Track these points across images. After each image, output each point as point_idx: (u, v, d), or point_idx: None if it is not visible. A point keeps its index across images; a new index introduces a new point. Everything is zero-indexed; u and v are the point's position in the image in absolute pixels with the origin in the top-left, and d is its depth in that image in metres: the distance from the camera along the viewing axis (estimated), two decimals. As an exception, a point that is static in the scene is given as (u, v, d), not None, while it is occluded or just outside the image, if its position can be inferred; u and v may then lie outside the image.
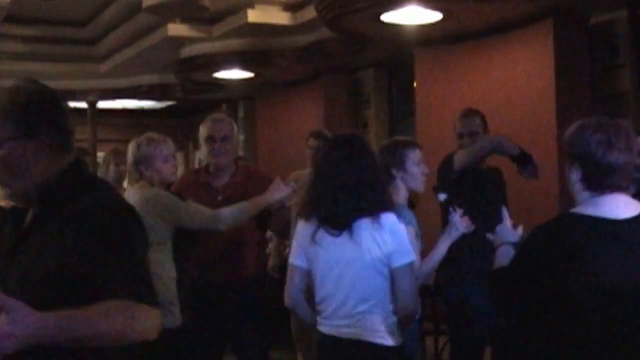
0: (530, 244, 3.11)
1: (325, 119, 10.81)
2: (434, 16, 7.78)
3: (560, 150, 7.58)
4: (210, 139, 5.60)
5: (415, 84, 9.60)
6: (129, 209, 2.62)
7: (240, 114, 13.91)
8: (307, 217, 4.04)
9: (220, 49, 10.33)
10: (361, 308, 3.91)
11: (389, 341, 3.95)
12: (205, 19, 9.82)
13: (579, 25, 8.00)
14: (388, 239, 3.89)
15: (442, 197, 5.61)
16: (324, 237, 3.96)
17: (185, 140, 16.03)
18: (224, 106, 14.32)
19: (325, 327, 4.04)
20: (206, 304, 5.58)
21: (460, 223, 4.67)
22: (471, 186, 5.84)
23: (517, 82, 8.21)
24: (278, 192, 5.24)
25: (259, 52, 10.25)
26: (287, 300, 4.14)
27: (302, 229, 4.07)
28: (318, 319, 4.08)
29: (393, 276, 3.92)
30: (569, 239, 2.98)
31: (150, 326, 2.40)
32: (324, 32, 9.33)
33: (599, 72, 8.05)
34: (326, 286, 4.00)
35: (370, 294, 3.92)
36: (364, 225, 3.90)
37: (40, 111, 2.55)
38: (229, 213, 5.17)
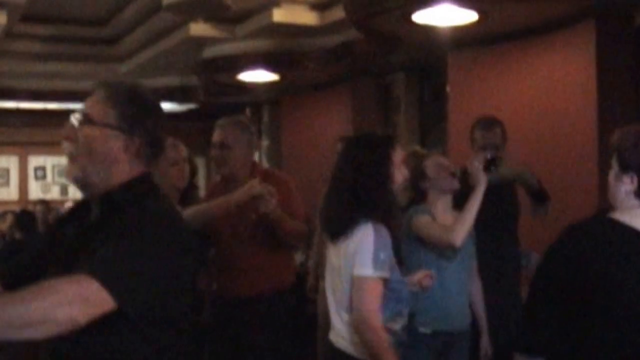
0: (564, 243, 3.03)
1: (353, 124, 10.47)
2: (469, 16, 7.37)
3: (601, 158, 7.27)
4: (211, 146, 5.41)
5: (447, 88, 9.26)
6: (175, 219, 2.66)
7: (265, 118, 13.52)
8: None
9: (244, 50, 9.99)
10: None
11: None
12: (228, 19, 9.49)
13: (623, 26, 7.60)
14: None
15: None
16: None
17: (207, 145, 15.69)
18: (247, 110, 13.96)
19: None
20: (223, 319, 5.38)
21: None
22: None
23: (556, 87, 7.84)
24: (247, 192, 4.83)
25: (284, 53, 9.90)
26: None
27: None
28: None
29: None
30: (601, 245, 2.94)
31: (78, 302, 2.26)
32: (353, 33, 8.99)
33: (642, 74, 7.64)
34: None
35: None
36: None
37: (146, 115, 2.63)
38: (186, 215, 4.80)
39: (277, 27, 9.17)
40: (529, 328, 3.06)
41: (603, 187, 7.21)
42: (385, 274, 3.68)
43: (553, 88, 7.87)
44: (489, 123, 5.65)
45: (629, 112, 7.50)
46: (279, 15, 8.93)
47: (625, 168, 2.97)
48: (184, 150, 5.10)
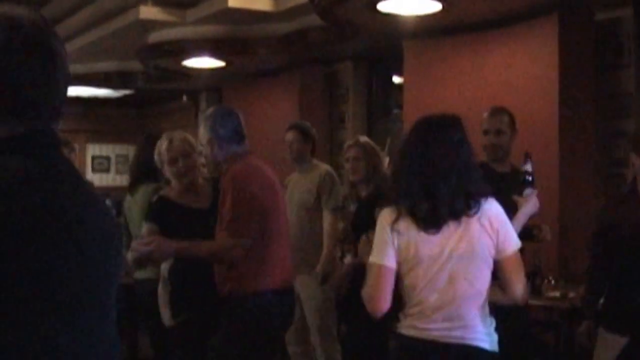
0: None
1: (300, 113, 10.31)
2: (433, 6, 7.35)
3: (562, 151, 7.32)
4: None
5: (403, 78, 9.22)
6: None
7: (202, 106, 13.34)
8: None
9: (193, 36, 9.78)
10: None
11: None
12: (180, 3, 9.31)
13: (584, 21, 7.66)
14: None
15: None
16: None
17: (139, 132, 15.46)
18: (184, 97, 13.75)
19: None
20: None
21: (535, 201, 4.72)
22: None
23: (518, 80, 7.87)
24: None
25: (235, 39, 9.72)
26: None
27: None
28: None
29: None
30: None
31: None
32: (306, 21, 8.93)
33: (603, 70, 7.73)
34: None
35: None
36: None
37: None
38: None
39: (230, 12, 8.98)
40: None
41: (564, 180, 7.32)
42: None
43: (514, 80, 7.89)
44: (495, 109, 5.62)
45: (590, 106, 7.57)
46: (235, 0, 8.77)
47: None
48: (177, 147, 5.22)
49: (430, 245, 3.66)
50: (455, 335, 3.62)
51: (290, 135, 7.11)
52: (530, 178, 4.76)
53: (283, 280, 4.95)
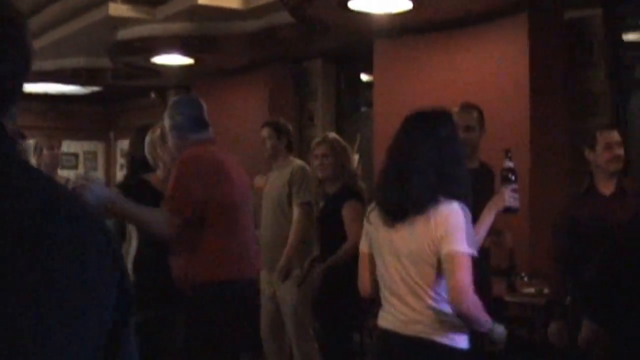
0: None
1: (269, 111, 10.29)
2: (404, 5, 7.37)
3: (533, 150, 7.36)
4: None
5: (373, 77, 9.24)
6: None
7: (170, 102, 13.26)
8: None
9: (162, 33, 9.74)
10: None
11: None
12: (149, 0, 9.25)
13: (554, 20, 7.72)
14: None
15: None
16: None
17: (107, 129, 15.38)
18: (152, 94, 13.69)
19: None
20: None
21: (508, 195, 4.50)
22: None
23: (488, 79, 7.90)
24: None
25: (204, 37, 9.69)
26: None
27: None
28: None
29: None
30: None
31: None
32: (276, 18, 8.93)
33: (572, 69, 7.79)
34: None
35: None
36: None
37: None
38: None
39: (199, 9, 8.96)
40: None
41: (535, 178, 7.36)
42: (475, 252, 3.63)
43: (485, 79, 7.92)
44: (465, 106, 5.64)
45: (560, 104, 7.62)
46: (204, -3, 8.74)
47: None
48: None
49: (390, 237, 3.72)
50: (414, 328, 3.65)
51: (264, 132, 7.12)
52: (512, 176, 4.65)
53: (242, 272, 4.85)
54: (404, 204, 3.64)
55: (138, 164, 6.09)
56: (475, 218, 4.50)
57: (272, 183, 7.08)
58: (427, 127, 3.73)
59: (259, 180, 7.65)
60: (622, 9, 7.69)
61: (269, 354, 7.12)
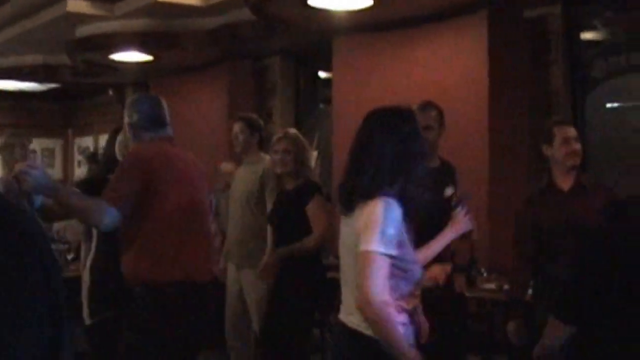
0: None
1: (229, 107, 10.31)
2: (363, 2, 7.39)
3: (492, 147, 7.42)
4: None
5: (332, 74, 9.25)
6: None
7: (128, 100, 13.22)
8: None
9: (121, 29, 9.68)
10: None
11: None
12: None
13: (513, 18, 7.78)
14: None
15: (449, 191, 5.22)
16: None
17: (65, 126, 15.27)
18: (110, 91, 13.62)
19: None
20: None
21: (466, 220, 4.33)
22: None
23: (447, 75, 7.96)
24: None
25: (163, 33, 9.64)
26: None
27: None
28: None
29: None
30: None
31: None
32: (235, 15, 8.93)
33: (532, 66, 7.83)
34: None
35: None
36: None
37: None
38: None
39: (158, 6, 8.94)
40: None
41: (494, 175, 7.41)
42: (392, 251, 3.49)
43: (444, 77, 7.97)
44: (423, 105, 5.64)
45: (519, 102, 7.67)
46: (164, -7, 8.71)
47: None
48: None
49: (341, 228, 3.77)
50: (350, 319, 3.65)
51: (237, 127, 7.05)
52: (455, 203, 4.51)
53: (187, 273, 4.70)
54: (353, 195, 3.63)
55: (111, 163, 6.05)
56: (435, 217, 4.52)
57: (242, 178, 7.01)
58: (389, 123, 3.71)
59: (226, 166, 7.61)
60: (580, 7, 7.76)
61: (233, 351, 7.11)
